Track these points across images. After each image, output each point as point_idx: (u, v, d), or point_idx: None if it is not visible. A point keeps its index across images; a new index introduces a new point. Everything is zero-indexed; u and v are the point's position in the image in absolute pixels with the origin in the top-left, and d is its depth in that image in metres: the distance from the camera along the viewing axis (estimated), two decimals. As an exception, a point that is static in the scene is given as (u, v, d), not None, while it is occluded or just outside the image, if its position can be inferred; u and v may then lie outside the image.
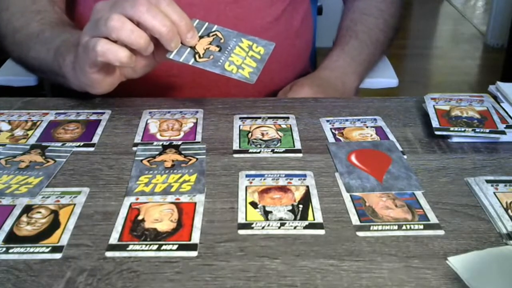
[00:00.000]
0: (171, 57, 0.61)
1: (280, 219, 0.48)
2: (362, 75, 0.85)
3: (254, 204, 0.50)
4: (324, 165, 0.57)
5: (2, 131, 0.63)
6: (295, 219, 0.48)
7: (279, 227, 0.47)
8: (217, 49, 0.62)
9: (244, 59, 0.62)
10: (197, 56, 0.61)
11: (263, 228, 0.47)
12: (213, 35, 0.63)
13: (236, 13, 0.80)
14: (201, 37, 0.63)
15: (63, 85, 0.70)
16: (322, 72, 0.82)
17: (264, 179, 0.54)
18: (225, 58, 0.61)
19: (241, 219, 0.48)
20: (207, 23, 0.64)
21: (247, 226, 0.47)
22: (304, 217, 0.48)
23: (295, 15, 0.87)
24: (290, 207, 0.50)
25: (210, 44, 0.62)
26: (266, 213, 0.49)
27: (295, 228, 0.47)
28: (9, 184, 0.53)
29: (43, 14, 0.76)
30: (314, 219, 0.48)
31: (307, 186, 0.53)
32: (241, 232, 0.47)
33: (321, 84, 0.79)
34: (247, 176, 0.54)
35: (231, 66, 0.61)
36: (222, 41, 0.63)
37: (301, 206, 0.50)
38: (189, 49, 0.61)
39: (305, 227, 0.47)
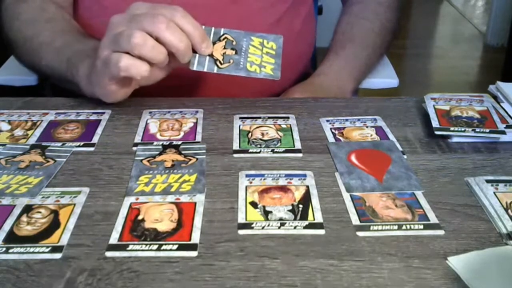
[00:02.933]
0: (194, 68, 0.62)
1: (280, 219, 0.48)
2: (358, 79, 0.85)
3: (254, 204, 0.50)
4: (324, 165, 0.57)
5: (2, 131, 0.63)
6: (295, 219, 0.48)
7: (279, 227, 0.47)
8: (233, 52, 0.63)
9: (261, 58, 0.63)
10: (218, 63, 0.63)
11: (263, 228, 0.47)
12: (223, 39, 0.64)
13: (238, 14, 0.80)
14: (213, 43, 0.64)
15: (76, 91, 0.70)
16: (316, 78, 0.82)
17: (264, 179, 0.54)
18: (244, 60, 0.63)
19: (241, 219, 0.48)
20: (213, 28, 0.65)
21: (247, 226, 0.47)
22: (304, 217, 0.48)
23: (297, 17, 0.87)
24: (290, 207, 0.50)
25: (224, 48, 0.64)
26: (266, 213, 0.49)
27: (295, 228, 0.47)
28: (9, 184, 0.53)
29: (53, 22, 0.77)
30: (314, 219, 0.48)
31: (307, 186, 0.53)
32: (241, 232, 0.47)
33: (314, 90, 0.79)
34: (247, 176, 0.54)
35: (253, 66, 0.62)
36: (234, 43, 0.64)
37: (301, 206, 0.50)
38: (208, 57, 0.63)
39: (305, 227, 0.47)
